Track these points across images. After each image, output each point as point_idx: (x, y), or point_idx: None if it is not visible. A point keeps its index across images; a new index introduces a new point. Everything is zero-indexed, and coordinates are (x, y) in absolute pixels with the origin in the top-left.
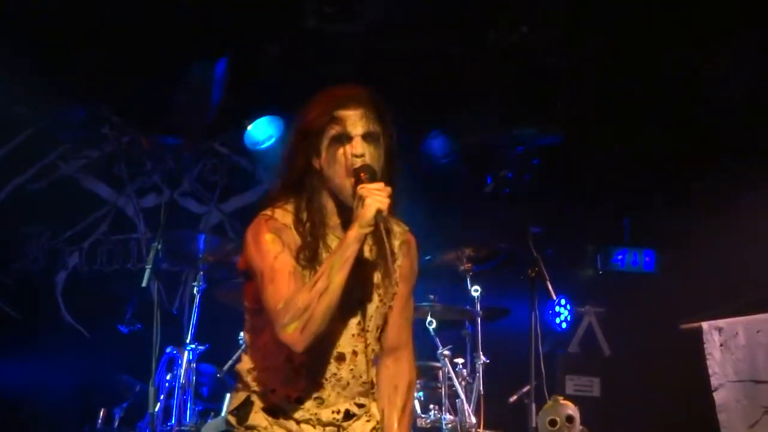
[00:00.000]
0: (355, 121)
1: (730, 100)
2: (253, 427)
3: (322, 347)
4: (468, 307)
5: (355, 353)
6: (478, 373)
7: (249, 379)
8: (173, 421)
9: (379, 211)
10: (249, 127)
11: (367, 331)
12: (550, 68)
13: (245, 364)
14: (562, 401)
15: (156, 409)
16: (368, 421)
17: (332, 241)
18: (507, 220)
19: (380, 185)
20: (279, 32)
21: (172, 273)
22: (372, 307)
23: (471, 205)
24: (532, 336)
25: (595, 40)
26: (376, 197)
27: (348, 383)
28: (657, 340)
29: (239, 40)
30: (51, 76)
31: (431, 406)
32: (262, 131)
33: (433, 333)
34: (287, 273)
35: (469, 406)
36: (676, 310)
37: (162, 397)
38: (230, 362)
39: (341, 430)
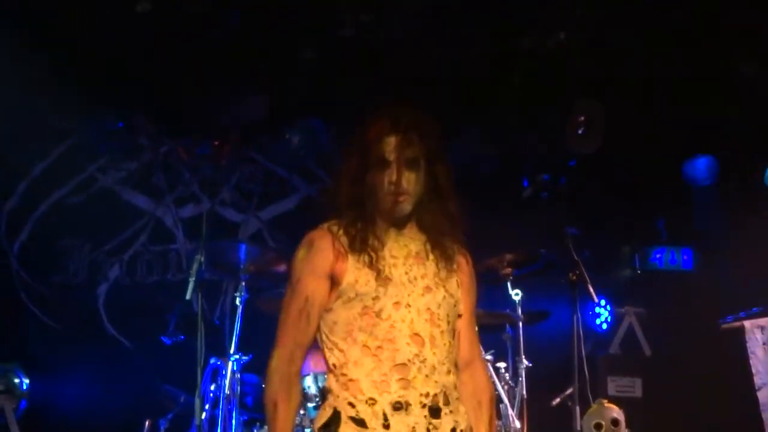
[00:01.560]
0: (393, 147)
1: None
2: None
3: (396, 329)
4: (508, 311)
5: (432, 337)
6: (521, 377)
7: (336, 388)
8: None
9: None
10: (286, 135)
11: (439, 317)
12: (584, 69)
13: (330, 380)
14: (606, 404)
15: (202, 420)
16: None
17: (382, 233)
18: (545, 224)
19: None
20: (315, 39)
21: (212, 283)
22: (439, 296)
23: (508, 209)
24: (575, 338)
25: (627, 41)
26: None
27: (434, 368)
28: (698, 339)
29: (276, 46)
30: (88, 88)
31: None
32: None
33: None
34: (297, 309)
35: (513, 411)
36: (716, 308)
37: (207, 407)
38: None
39: (431, 425)
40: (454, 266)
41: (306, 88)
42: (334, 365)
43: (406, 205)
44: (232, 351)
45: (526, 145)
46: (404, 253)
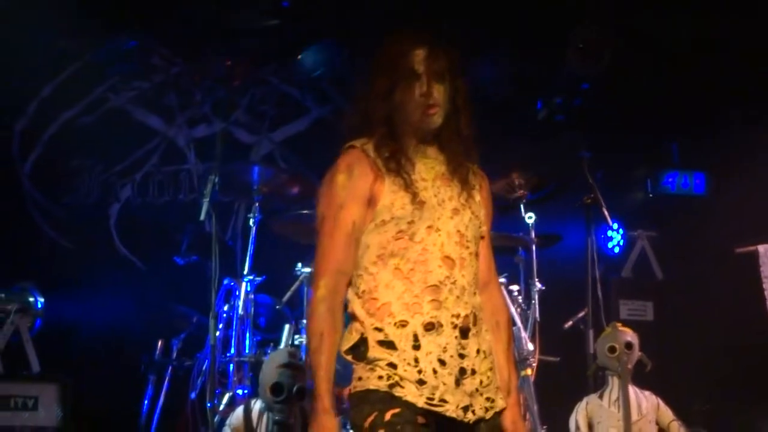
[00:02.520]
0: (421, 59)
1: None
2: (375, 360)
3: (428, 251)
4: (522, 234)
5: (462, 259)
6: (534, 300)
7: (359, 310)
8: (232, 352)
9: None
10: (300, 56)
11: (467, 239)
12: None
13: (355, 301)
14: (620, 327)
15: (215, 340)
16: (485, 357)
17: (411, 155)
18: (558, 146)
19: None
20: None
21: (224, 204)
22: (466, 218)
23: (523, 133)
24: (588, 262)
25: None
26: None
27: (464, 289)
28: (710, 263)
29: None
30: (98, 8)
31: None
32: (314, 59)
33: None
34: (344, 235)
35: (526, 333)
36: (728, 232)
37: (220, 327)
38: (288, 293)
39: (460, 345)
40: (475, 187)
41: (320, 8)
42: (363, 291)
43: (437, 118)
44: (245, 272)
45: (540, 67)
46: (432, 175)
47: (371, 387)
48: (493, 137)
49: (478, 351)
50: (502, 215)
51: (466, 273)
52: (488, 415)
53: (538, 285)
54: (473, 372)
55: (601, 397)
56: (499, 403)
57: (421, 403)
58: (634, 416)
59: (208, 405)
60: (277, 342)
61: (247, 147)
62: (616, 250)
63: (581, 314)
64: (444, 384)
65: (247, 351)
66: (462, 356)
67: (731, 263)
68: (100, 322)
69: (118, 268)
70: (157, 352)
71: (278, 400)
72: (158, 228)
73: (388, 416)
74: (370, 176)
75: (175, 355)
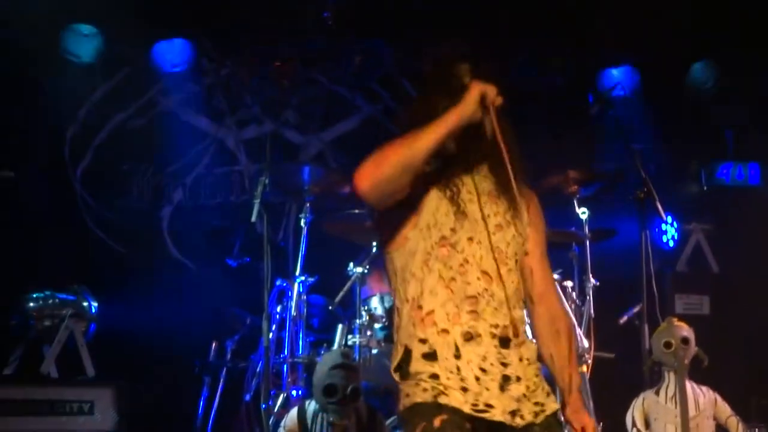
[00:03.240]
0: (466, 72)
1: None
2: (418, 374)
3: (469, 263)
4: (575, 229)
5: (499, 274)
6: (588, 295)
7: (404, 335)
8: (286, 353)
9: (484, 95)
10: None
11: (507, 255)
12: None
13: (399, 326)
14: (676, 323)
15: (269, 341)
16: (529, 364)
17: (464, 171)
18: (611, 140)
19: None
20: None
21: (275, 205)
22: (509, 235)
23: (575, 127)
24: (643, 256)
25: None
26: (483, 86)
27: (502, 302)
28: (766, 255)
29: None
30: (147, 11)
31: None
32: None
33: None
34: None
35: (581, 329)
36: None
37: (274, 328)
38: (341, 293)
39: (501, 354)
40: (523, 205)
41: (369, 7)
42: (411, 297)
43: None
44: (297, 272)
45: (591, 61)
46: (479, 191)
47: (418, 401)
48: (545, 133)
49: (521, 359)
50: (556, 211)
51: (504, 287)
52: (539, 419)
53: (593, 281)
54: (518, 379)
55: (657, 393)
56: (551, 406)
57: (467, 409)
58: (692, 412)
59: (263, 406)
60: (331, 342)
61: (297, 147)
62: (671, 243)
63: (636, 309)
64: (488, 390)
65: (300, 352)
66: (504, 365)
67: None
68: (153, 326)
69: (171, 271)
70: (212, 354)
71: (332, 402)
72: (210, 230)
73: (437, 422)
74: (418, 175)
75: (229, 356)
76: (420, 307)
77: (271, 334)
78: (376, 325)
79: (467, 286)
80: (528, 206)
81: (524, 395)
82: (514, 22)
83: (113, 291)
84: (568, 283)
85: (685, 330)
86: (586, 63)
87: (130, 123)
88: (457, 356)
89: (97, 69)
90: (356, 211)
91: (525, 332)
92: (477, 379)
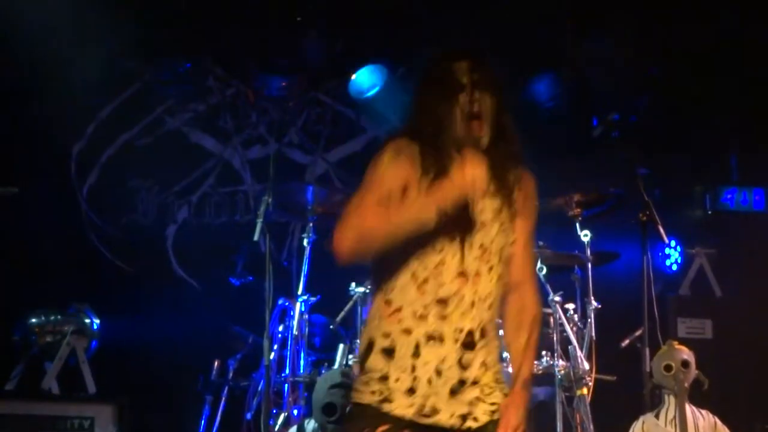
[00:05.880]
0: (465, 70)
1: None
2: (371, 371)
3: (445, 265)
4: (577, 252)
5: (478, 274)
6: (590, 318)
7: (375, 311)
8: (287, 372)
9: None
10: (354, 76)
11: (490, 252)
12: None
13: (376, 299)
14: (677, 346)
15: (270, 360)
16: (487, 369)
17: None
18: (615, 163)
19: (476, 162)
20: None
21: (279, 224)
22: (494, 230)
23: (578, 149)
24: (645, 280)
25: None
26: (467, 173)
27: (473, 303)
28: None
29: None
30: (155, 29)
31: (543, 352)
32: (367, 80)
33: (543, 279)
34: (378, 193)
35: (582, 352)
36: None
37: (275, 347)
38: (342, 313)
39: (462, 357)
40: (514, 196)
41: (373, 30)
42: (383, 286)
43: (481, 130)
44: (300, 292)
45: (596, 83)
46: None
47: (365, 401)
48: (548, 155)
49: (482, 363)
50: (559, 233)
51: (478, 288)
52: (495, 417)
53: (594, 303)
54: (474, 382)
55: (657, 416)
56: None
57: (410, 414)
58: None
59: (266, 425)
60: (332, 362)
61: (302, 167)
62: (674, 267)
63: (638, 333)
64: (436, 394)
65: (301, 371)
66: (463, 368)
67: None
68: (156, 343)
69: (174, 289)
70: (213, 372)
71: (331, 420)
72: (215, 249)
73: None
74: (411, 167)
75: (231, 375)
76: (388, 303)
77: (272, 353)
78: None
79: (439, 288)
80: (521, 189)
81: (477, 398)
82: (522, 44)
83: (117, 308)
84: (570, 306)
85: (686, 353)
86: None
87: (137, 141)
88: (416, 355)
89: (104, 86)
90: None
91: (494, 330)
92: (429, 381)
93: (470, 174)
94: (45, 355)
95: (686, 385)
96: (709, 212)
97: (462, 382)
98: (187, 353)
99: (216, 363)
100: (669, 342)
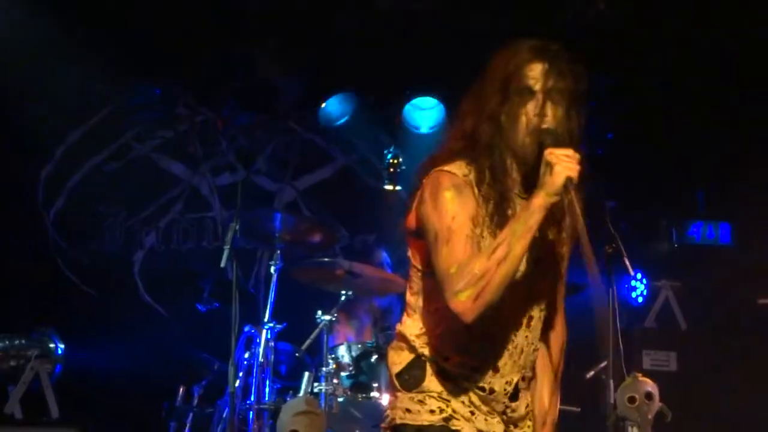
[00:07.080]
0: (539, 75)
1: None
2: (428, 391)
3: (500, 312)
4: None
5: (530, 318)
6: None
7: (418, 344)
8: (252, 399)
9: (569, 179)
10: (323, 104)
11: (541, 296)
12: (623, 40)
13: (411, 328)
14: (640, 378)
15: (235, 387)
16: (529, 412)
17: (513, 200)
18: (582, 196)
19: (569, 152)
20: (353, 10)
21: (247, 251)
22: (549, 276)
23: None
24: (610, 312)
25: (669, 13)
26: (565, 164)
27: (522, 350)
28: (735, 313)
29: (312, 18)
30: (126, 56)
31: None
32: (337, 108)
33: None
34: (464, 236)
35: None
36: (754, 283)
37: (241, 375)
38: (308, 341)
39: (508, 411)
40: (565, 236)
41: (343, 59)
42: (426, 329)
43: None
44: (266, 319)
45: None
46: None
47: (423, 423)
48: None
49: (526, 406)
50: None
51: (530, 334)
52: None
53: None
54: (516, 425)
55: None
56: None
57: None
58: None
59: None
60: (297, 390)
61: (271, 194)
62: (640, 300)
63: (603, 365)
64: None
65: (267, 398)
66: (506, 413)
67: (756, 314)
68: (121, 369)
69: (141, 315)
70: (179, 398)
71: None
72: (182, 275)
73: None
74: (474, 202)
75: (196, 401)
76: (438, 344)
77: (238, 380)
78: (343, 373)
79: (496, 340)
80: (570, 234)
81: None
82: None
83: (83, 333)
84: None
85: (650, 385)
86: None
87: (105, 166)
88: (469, 403)
89: (73, 111)
90: (326, 259)
91: (532, 377)
92: (486, 420)
93: (567, 173)
94: (8, 379)
95: (650, 417)
96: (676, 245)
97: (507, 424)
98: (152, 379)
99: (181, 389)
100: (633, 374)
